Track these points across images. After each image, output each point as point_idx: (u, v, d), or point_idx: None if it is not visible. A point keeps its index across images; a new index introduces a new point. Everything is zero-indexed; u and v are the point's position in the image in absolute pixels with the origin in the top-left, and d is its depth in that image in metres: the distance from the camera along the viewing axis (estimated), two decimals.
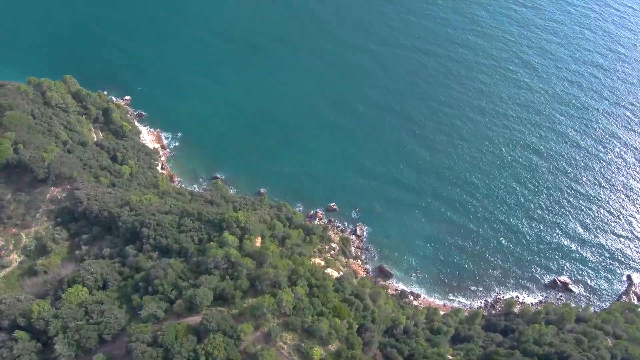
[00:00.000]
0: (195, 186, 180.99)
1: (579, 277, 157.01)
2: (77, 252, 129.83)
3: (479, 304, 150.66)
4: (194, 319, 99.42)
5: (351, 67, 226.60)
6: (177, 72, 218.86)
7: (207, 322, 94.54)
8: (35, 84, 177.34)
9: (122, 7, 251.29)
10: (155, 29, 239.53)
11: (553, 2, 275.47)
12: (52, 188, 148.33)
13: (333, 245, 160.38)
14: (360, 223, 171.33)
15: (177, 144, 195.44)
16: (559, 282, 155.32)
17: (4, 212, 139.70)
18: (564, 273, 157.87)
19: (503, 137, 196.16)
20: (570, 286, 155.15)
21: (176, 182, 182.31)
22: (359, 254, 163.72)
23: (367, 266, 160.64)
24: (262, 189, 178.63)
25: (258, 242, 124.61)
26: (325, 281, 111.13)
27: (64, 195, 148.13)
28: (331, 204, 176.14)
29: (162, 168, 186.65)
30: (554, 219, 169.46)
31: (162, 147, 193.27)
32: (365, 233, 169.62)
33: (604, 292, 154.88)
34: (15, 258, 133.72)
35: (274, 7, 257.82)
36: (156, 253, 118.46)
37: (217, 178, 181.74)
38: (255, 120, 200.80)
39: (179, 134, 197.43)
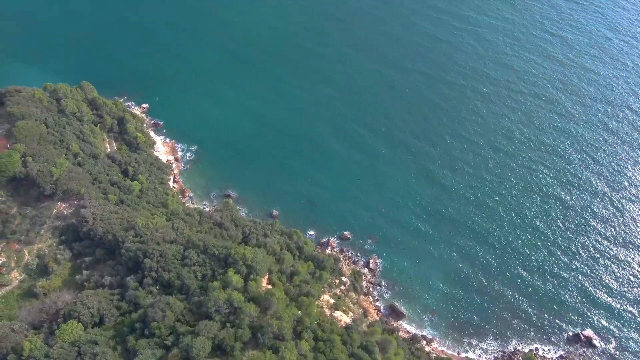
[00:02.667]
0: (206, 203, 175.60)
1: (605, 333, 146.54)
2: (77, 276, 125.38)
3: (496, 355, 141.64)
4: None
5: (375, 86, 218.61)
6: (196, 81, 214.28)
7: None
8: (51, 90, 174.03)
9: (144, 12, 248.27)
10: (177, 36, 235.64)
11: (589, 32, 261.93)
12: (59, 203, 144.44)
13: (344, 279, 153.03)
14: (374, 255, 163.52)
15: (191, 156, 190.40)
16: (582, 337, 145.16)
17: (8, 227, 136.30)
18: (589, 327, 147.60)
19: (530, 177, 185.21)
20: (594, 342, 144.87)
21: (187, 197, 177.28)
22: (371, 289, 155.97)
23: (379, 303, 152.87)
24: (274, 211, 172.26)
25: (264, 282, 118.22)
26: (333, 334, 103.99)
27: (70, 211, 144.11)
28: (345, 232, 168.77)
29: (174, 181, 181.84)
30: (583, 268, 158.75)
31: (176, 159, 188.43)
32: (378, 266, 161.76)
33: (632, 350, 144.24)
34: (15, 276, 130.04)
35: (301, 17, 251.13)
36: (157, 287, 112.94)
37: (228, 196, 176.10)
38: (271, 136, 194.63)
39: (194, 146, 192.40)
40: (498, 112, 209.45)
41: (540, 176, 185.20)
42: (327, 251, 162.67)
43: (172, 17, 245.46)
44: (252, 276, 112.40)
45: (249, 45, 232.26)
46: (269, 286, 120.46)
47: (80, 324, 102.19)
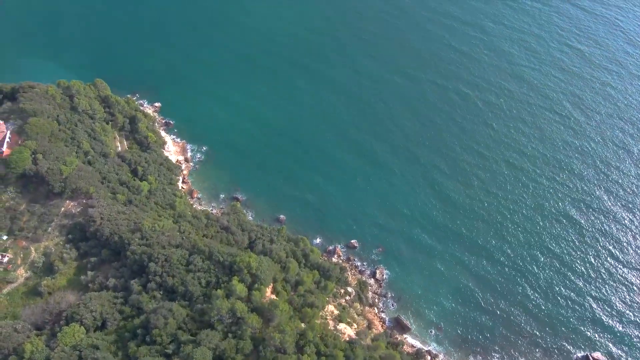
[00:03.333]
0: (214, 205, 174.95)
1: (614, 356, 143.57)
2: (82, 277, 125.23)
3: None
4: None
5: (388, 95, 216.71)
6: (209, 82, 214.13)
7: None
8: (65, 87, 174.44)
9: (161, 12, 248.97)
10: (192, 37, 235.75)
11: (608, 46, 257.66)
12: (68, 202, 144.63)
13: (349, 289, 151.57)
14: (381, 266, 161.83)
15: (201, 157, 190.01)
16: (591, 359, 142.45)
17: (16, 223, 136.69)
18: (598, 350, 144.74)
19: (541, 193, 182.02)
20: None
21: (195, 198, 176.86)
22: (376, 300, 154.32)
23: (384, 315, 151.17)
24: (281, 216, 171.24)
25: (269, 291, 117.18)
26: (336, 349, 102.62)
27: (78, 210, 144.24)
28: (352, 241, 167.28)
29: (183, 182, 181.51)
30: (592, 290, 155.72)
31: (186, 159, 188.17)
32: (385, 277, 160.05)
33: None
34: (21, 274, 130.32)
35: (317, 24, 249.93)
36: (161, 293, 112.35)
37: (236, 199, 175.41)
38: (281, 141, 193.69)
39: (204, 147, 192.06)
40: (511, 125, 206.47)
41: (552, 193, 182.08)
42: (334, 259, 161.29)
43: (188, 19, 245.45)
44: (256, 285, 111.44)
45: (262, 50, 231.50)
46: (273, 296, 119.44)
47: (82, 327, 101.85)
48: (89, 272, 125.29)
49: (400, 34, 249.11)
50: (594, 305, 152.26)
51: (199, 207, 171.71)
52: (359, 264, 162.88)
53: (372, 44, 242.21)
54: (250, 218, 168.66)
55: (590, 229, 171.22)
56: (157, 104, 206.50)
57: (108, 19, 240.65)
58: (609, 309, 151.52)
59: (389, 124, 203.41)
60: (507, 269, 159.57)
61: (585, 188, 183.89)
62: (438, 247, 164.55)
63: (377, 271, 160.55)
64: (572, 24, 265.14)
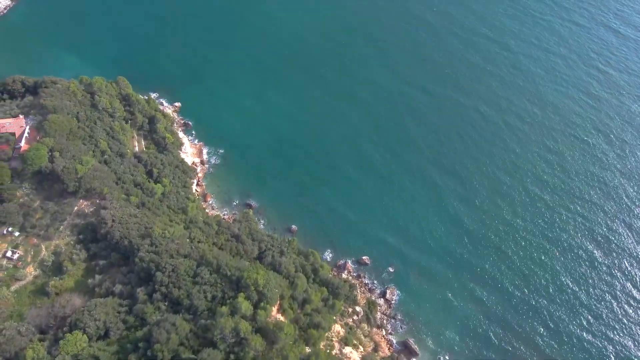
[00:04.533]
0: (227, 210, 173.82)
1: None
2: (90, 280, 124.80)
3: None
4: None
5: (406, 110, 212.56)
6: (228, 85, 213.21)
7: None
8: (87, 84, 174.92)
9: (184, 14, 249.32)
10: (214, 39, 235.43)
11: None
12: (81, 201, 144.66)
13: (358, 309, 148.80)
14: (392, 285, 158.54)
15: (217, 160, 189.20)
16: None
17: (28, 220, 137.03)
18: None
19: (561, 225, 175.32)
20: None
21: (209, 202, 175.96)
22: (385, 322, 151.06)
23: (391, 337, 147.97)
24: (293, 226, 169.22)
25: (275, 310, 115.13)
26: None
27: (91, 210, 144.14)
28: (363, 257, 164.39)
29: (197, 185, 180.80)
30: (609, 332, 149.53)
31: (202, 162, 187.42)
32: (395, 298, 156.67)
33: None
34: (30, 271, 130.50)
35: (338, 35, 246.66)
36: (166, 304, 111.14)
37: (249, 205, 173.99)
38: (296, 150, 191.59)
39: (221, 150, 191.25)
40: (534, 150, 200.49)
41: (572, 225, 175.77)
42: (344, 275, 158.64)
43: (210, 23, 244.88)
44: (262, 304, 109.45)
45: (281, 56, 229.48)
46: (280, 315, 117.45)
47: (85, 335, 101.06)
48: (97, 276, 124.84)
49: (422, 47, 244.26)
50: (610, 347, 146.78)
51: (212, 212, 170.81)
52: (369, 282, 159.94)
53: (392, 56, 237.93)
54: (261, 226, 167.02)
55: (610, 268, 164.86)
56: (177, 104, 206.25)
57: (132, 17, 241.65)
58: (626, 354, 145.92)
59: (406, 140, 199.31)
60: (519, 305, 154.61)
61: (609, 224, 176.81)
62: (450, 276, 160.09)
63: (388, 291, 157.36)
64: (604, 47, 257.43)
